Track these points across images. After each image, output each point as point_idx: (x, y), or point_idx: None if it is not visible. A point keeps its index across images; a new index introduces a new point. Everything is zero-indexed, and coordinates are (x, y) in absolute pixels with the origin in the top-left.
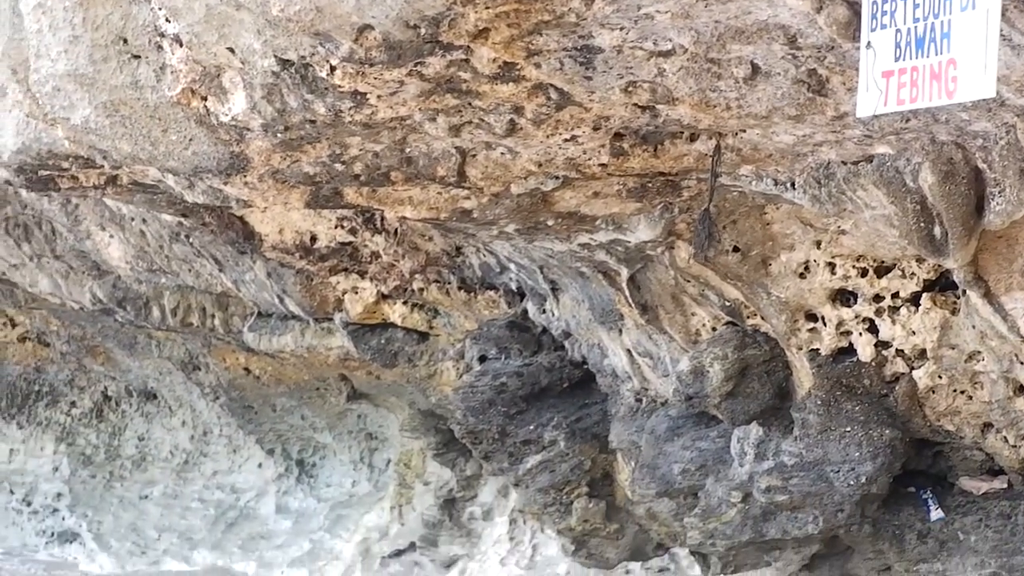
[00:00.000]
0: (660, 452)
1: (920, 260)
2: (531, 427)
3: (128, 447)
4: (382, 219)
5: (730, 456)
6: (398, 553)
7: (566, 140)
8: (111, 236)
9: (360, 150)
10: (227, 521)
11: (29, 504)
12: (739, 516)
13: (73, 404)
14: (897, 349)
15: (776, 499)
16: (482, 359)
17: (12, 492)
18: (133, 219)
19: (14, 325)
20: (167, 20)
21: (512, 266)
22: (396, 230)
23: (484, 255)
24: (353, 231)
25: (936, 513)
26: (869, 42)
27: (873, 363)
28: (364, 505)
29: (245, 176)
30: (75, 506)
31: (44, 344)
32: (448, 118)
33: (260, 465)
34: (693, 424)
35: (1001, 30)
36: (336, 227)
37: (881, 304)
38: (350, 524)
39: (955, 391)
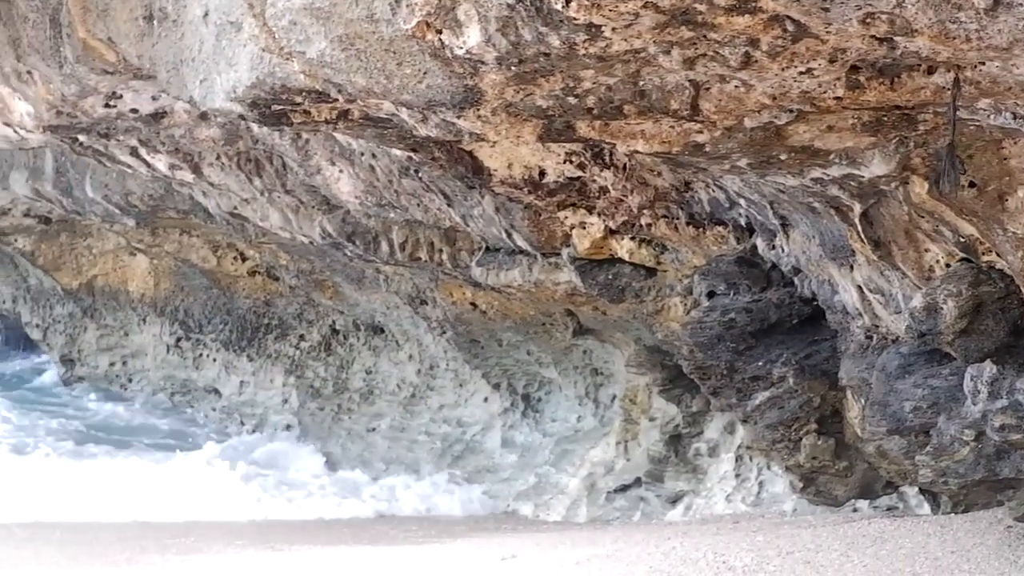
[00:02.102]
0: (891, 389)
1: None
2: (760, 363)
3: (356, 380)
4: (611, 154)
5: (963, 394)
6: (623, 488)
7: (801, 73)
8: (341, 171)
9: (593, 83)
10: (453, 454)
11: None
12: (972, 455)
13: (302, 337)
14: None
15: (1010, 438)
16: (711, 295)
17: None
18: (363, 154)
19: (244, 259)
20: None
21: (742, 201)
22: (625, 165)
23: (713, 190)
24: (582, 166)
25: None
26: None
27: None
28: (589, 440)
29: (478, 109)
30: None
31: (274, 278)
32: (682, 50)
33: (486, 399)
34: (925, 361)
35: None
36: (564, 162)
37: None
38: (575, 459)
39: None
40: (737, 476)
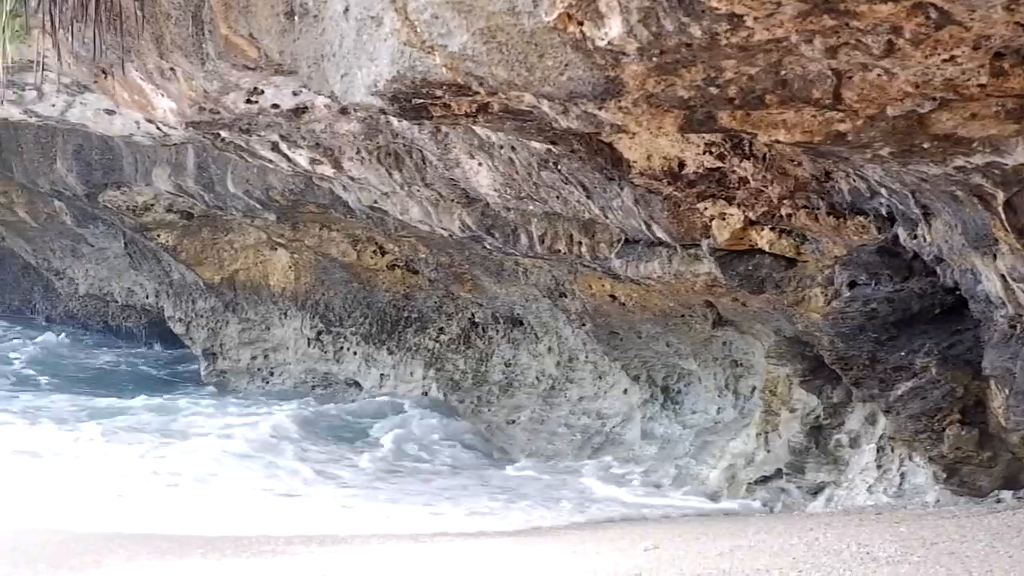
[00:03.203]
0: None
1: None
2: (902, 353)
3: (495, 373)
4: (750, 144)
5: None
6: (764, 480)
7: (944, 60)
8: (480, 164)
9: (735, 73)
10: (593, 446)
11: None
12: None
13: (441, 330)
14: None
15: None
16: (852, 285)
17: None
18: (502, 147)
19: (384, 253)
20: None
21: (883, 190)
22: (764, 155)
23: (854, 180)
24: (721, 156)
25: None
26: None
27: None
28: (730, 432)
29: (620, 101)
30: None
31: (413, 271)
32: (824, 39)
33: (625, 391)
34: None
35: None
36: (704, 153)
37: None
38: (716, 451)
39: None
40: (879, 467)
